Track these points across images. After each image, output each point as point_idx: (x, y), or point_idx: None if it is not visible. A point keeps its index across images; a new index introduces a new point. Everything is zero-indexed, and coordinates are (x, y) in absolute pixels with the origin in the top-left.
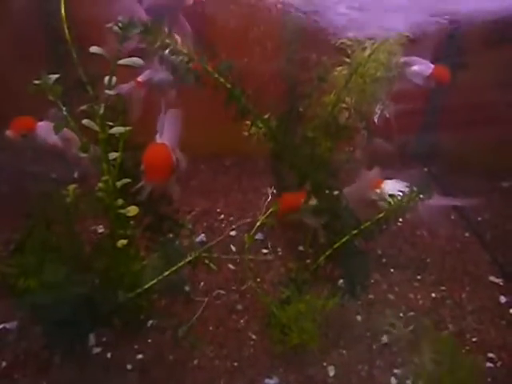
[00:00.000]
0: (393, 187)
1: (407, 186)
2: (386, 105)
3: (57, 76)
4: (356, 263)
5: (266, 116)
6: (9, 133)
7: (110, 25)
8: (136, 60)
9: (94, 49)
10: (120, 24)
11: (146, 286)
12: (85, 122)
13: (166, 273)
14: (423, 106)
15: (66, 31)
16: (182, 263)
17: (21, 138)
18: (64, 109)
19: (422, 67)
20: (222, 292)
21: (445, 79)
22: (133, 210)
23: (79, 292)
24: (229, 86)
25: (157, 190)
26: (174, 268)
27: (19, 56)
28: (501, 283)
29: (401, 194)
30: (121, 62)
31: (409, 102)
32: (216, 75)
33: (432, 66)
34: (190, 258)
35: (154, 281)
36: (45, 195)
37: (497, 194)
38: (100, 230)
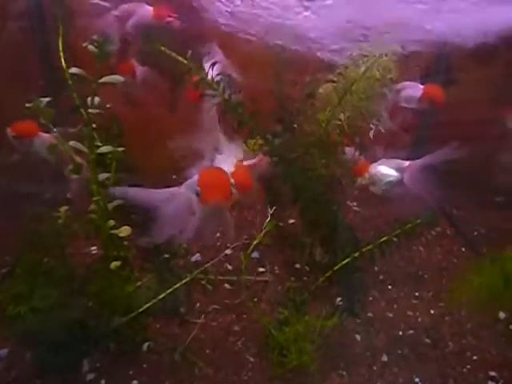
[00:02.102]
0: (381, 168)
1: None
2: (381, 120)
3: (48, 99)
4: (354, 281)
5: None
6: (8, 130)
7: (85, 44)
8: (116, 77)
9: (73, 70)
10: (95, 43)
11: (141, 309)
12: (72, 143)
13: (162, 295)
14: (416, 121)
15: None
16: (178, 285)
17: (12, 139)
18: (56, 130)
19: (412, 90)
20: (218, 313)
21: (438, 98)
22: (125, 231)
23: (71, 316)
24: (226, 97)
25: (215, 213)
26: (169, 290)
27: (14, 80)
28: None
29: (391, 173)
30: (102, 80)
31: (401, 117)
32: (215, 86)
33: (421, 86)
34: (185, 280)
35: (149, 303)
36: (36, 217)
37: (491, 208)
38: (93, 252)
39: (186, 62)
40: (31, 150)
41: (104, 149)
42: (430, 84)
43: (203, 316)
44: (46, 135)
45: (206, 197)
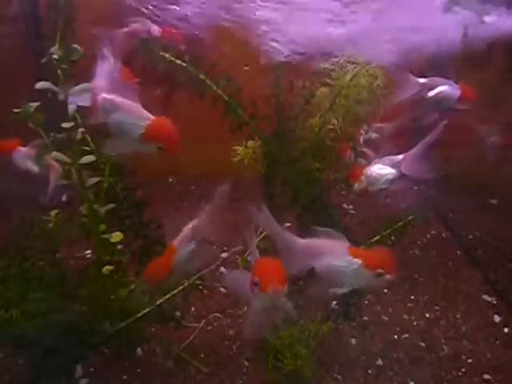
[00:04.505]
0: (376, 168)
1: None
2: (373, 127)
3: (37, 104)
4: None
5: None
6: None
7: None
8: (85, 86)
9: (40, 84)
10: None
11: (135, 313)
12: (54, 154)
13: (158, 302)
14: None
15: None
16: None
17: None
18: (47, 137)
19: (449, 89)
20: (213, 317)
21: (472, 96)
22: (117, 236)
23: (64, 321)
24: (226, 98)
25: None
26: (167, 296)
27: (9, 85)
28: (494, 302)
29: (387, 171)
30: (71, 91)
31: (396, 121)
32: (215, 87)
33: (456, 85)
34: (182, 287)
35: (144, 308)
36: (27, 221)
37: (486, 211)
38: (88, 256)
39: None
40: (12, 164)
41: (86, 159)
42: (462, 82)
43: (198, 320)
44: (25, 149)
45: (264, 284)
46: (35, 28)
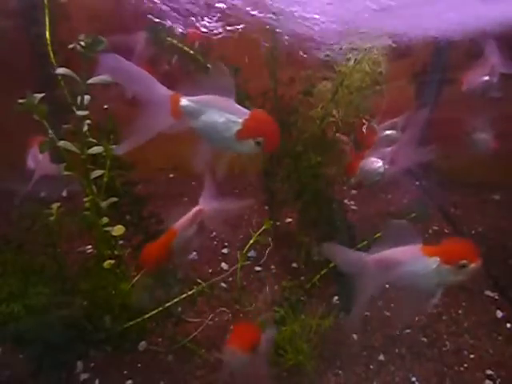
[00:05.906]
0: (369, 162)
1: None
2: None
3: (42, 95)
4: (350, 279)
5: None
6: None
7: (71, 45)
8: (105, 78)
9: (60, 70)
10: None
11: (137, 309)
12: (61, 143)
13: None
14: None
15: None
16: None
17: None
18: (51, 130)
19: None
20: (214, 312)
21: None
22: (118, 230)
23: (64, 316)
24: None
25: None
26: (175, 300)
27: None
28: (496, 297)
29: (379, 165)
30: (90, 81)
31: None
32: None
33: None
34: (191, 292)
35: (149, 307)
36: (29, 215)
37: (489, 206)
38: (89, 251)
39: None
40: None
41: (95, 149)
42: None
43: (199, 315)
44: (35, 148)
45: (232, 341)
46: (33, 21)
